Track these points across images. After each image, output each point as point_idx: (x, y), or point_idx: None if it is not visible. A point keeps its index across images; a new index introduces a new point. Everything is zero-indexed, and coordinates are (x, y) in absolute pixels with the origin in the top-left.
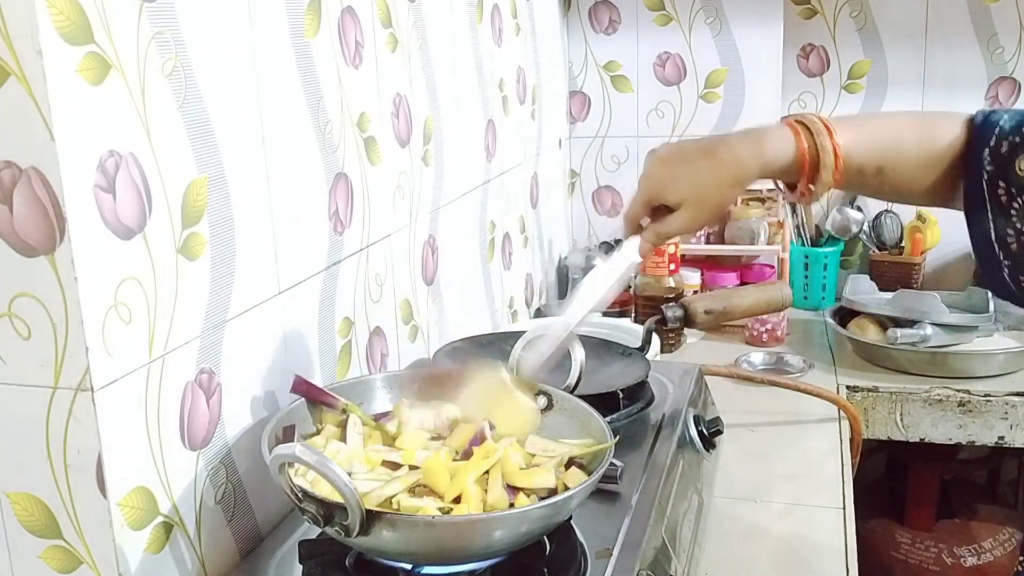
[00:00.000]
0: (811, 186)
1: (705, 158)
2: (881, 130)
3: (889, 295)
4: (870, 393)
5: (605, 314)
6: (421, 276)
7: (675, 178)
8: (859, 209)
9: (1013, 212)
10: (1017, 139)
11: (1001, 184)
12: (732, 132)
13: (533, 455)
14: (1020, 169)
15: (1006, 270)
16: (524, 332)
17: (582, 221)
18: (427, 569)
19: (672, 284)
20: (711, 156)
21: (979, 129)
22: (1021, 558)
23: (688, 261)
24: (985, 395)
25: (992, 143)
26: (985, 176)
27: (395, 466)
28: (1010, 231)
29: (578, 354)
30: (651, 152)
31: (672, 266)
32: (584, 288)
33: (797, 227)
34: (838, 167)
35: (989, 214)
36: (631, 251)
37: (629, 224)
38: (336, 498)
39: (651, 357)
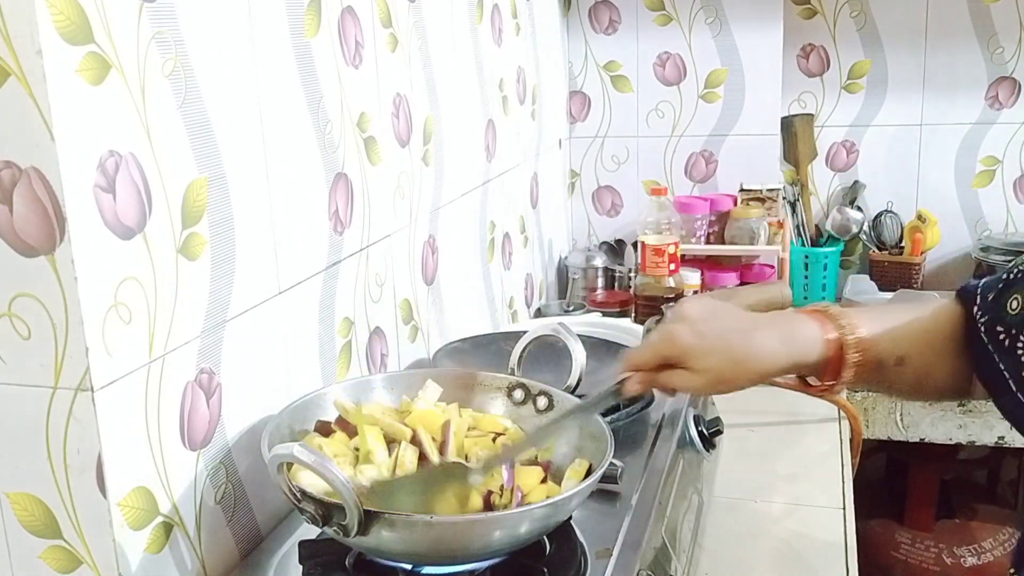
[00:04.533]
0: (833, 381)
1: (741, 339)
2: (895, 319)
3: (889, 295)
4: (870, 393)
5: (605, 314)
6: (421, 276)
7: (706, 350)
8: (859, 209)
9: (1019, 350)
10: (1000, 285)
11: (999, 329)
12: (761, 317)
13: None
14: (1011, 308)
15: None
16: (524, 332)
17: (582, 221)
18: (427, 569)
19: (672, 284)
20: (747, 338)
21: (964, 294)
22: (1012, 571)
23: (688, 261)
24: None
25: (979, 299)
26: (983, 331)
27: None
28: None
29: (578, 354)
30: (679, 306)
31: (672, 266)
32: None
33: (797, 227)
34: (862, 360)
35: (1001, 367)
36: (613, 393)
37: (630, 367)
38: (334, 498)
39: None
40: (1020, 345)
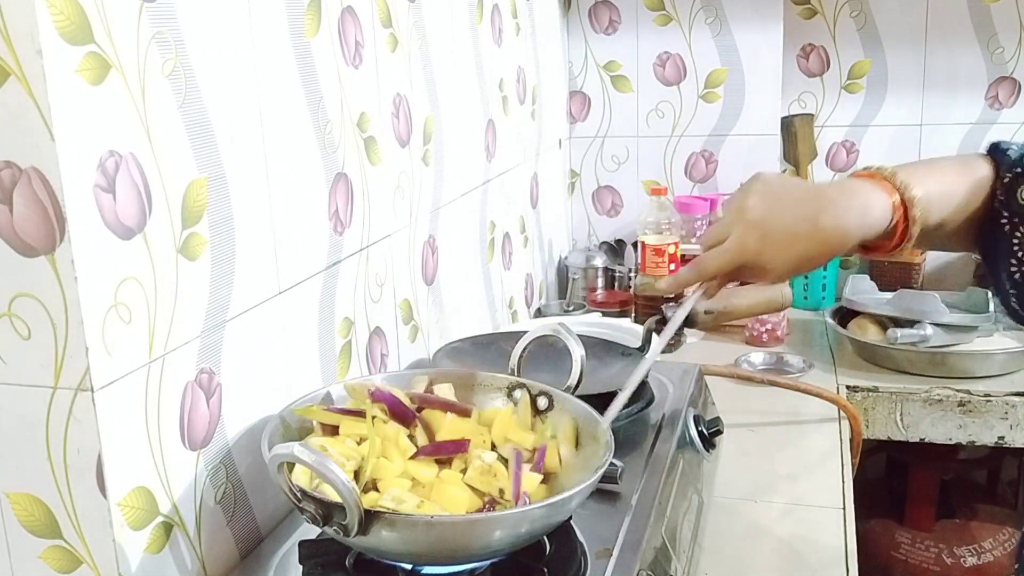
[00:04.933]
0: (900, 244)
1: (810, 232)
2: (942, 184)
3: (889, 295)
4: (870, 393)
5: (605, 314)
6: (421, 276)
7: (776, 256)
8: None
9: (1015, 242)
10: (1019, 169)
11: (1004, 214)
12: (829, 186)
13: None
14: (1020, 197)
15: (1013, 299)
16: (525, 332)
17: (582, 221)
18: (427, 569)
19: None
20: (817, 228)
21: (992, 158)
22: (1016, 565)
23: (688, 261)
24: (985, 395)
25: (1000, 172)
26: (996, 205)
27: None
28: (1012, 261)
29: (578, 354)
30: (742, 198)
31: (672, 266)
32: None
33: None
34: (920, 220)
35: (997, 244)
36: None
37: (707, 277)
38: (335, 498)
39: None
40: (1017, 237)
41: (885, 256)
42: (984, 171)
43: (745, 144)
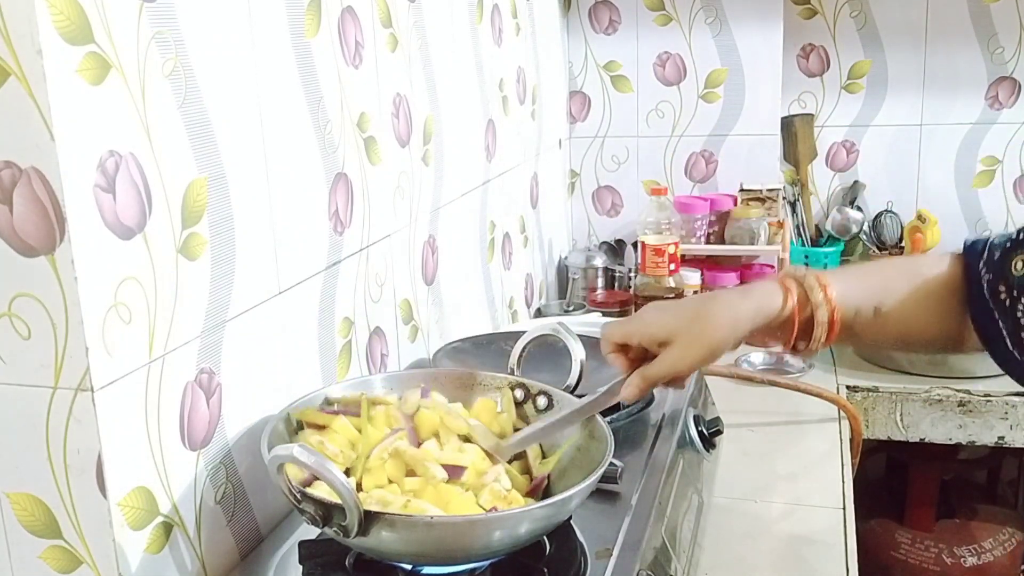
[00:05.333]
0: (803, 341)
1: (696, 303)
2: (870, 273)
3: None
4: (870, 393)
5: (605, 314)
6: (421, 276)
7: (665, 320)
8: (859, 209)
9: (1019, 312)
10: (1008, 244)
11: (1001, 288)
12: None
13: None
14: (1016, 268)
15: None
16: (524, 332)
17: (582, 221)
18: (427, 569)
19: (672, 284)
20: (703, 302)
21: (969, 249)
22: (1023, 568)
23: (688, 261)
24: (985, 395)
25: (985, 256)
26: (986, 287)
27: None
28: (1023, 334)
29: (578, 354)
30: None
31: (672, 266)
32: (563, 406)
33: (797, 227)
34: (832, 319)
35: (1000, 325)
36: (613, 393)
37: (608, 351)
38: (335, 498)
39: None
40: (1021, 308)
41: (801, 353)
42: (937, 264)
43: (745, 144)
